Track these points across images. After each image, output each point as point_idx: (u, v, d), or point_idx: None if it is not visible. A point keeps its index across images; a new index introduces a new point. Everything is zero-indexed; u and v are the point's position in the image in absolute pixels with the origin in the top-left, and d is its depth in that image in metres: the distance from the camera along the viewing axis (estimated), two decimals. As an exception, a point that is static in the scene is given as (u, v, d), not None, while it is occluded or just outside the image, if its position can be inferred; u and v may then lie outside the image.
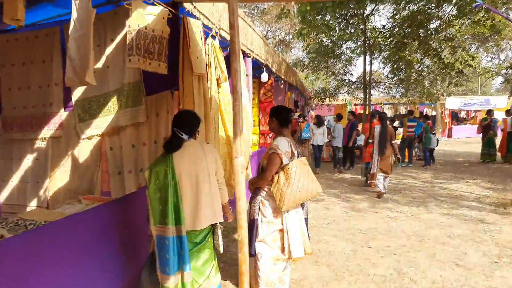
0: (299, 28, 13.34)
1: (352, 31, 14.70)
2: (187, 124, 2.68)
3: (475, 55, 18.35)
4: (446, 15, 13.43)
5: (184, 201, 2.56)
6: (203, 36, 4.28)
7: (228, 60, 5.90)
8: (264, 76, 7.76)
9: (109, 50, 4.10)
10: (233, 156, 5.25)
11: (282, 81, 9.88)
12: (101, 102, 4.21)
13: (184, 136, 2.65)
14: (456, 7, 12.23)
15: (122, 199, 3.32)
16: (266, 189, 3.04)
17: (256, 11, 29.41)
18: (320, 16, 12.16)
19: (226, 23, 5.12)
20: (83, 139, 4.30)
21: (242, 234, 2.72)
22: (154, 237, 2.59)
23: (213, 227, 2.75)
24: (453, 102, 22.68)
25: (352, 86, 16.79)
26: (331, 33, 14.29)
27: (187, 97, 3.91)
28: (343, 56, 16.04)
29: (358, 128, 14.21)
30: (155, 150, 3.99)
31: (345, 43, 15.48)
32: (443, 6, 12.78)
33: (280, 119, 3.17)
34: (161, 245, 2.54)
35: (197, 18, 4.21)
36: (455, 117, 25.23)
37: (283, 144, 3.01)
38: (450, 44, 13.86)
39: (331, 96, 16.53)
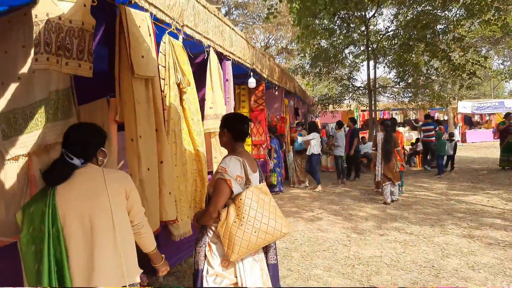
0: (298, 33, 12.61)
1: (355, 35, 13.93)
2: (80, 142, 1.83)
3: (487, 56, 17.43)
4: (454, 15, 12.52)
5: (72, 257, 1.71)
6: (153, 31, 3.48)
7: (202, 67, 5.20)
8: (252, 82, 6.94)
9: (35, 51, 3.33)
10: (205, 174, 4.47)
11: (276, 88, 9.06)
12: (27, 115, 3.39)
13: (76, 161, 1.80)
14: (463, 7, 11.41)
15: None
16: (213, 228, 2.17)
17: (258, 19, 28.92)
18: (318, 20, 11.38)
19: (191, 19, 4.34)
20: (8, 160, 3.48)
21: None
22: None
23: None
24: (465, 106, 21.60)
25: (357, 92, 15.91)
26: (332, 37, 13.52)
27: (127, 105, 3.09)
28: (346, 61, 15.23)
29: (363, 136, 13.34)
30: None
31: (347, 47, 14.70)
32: (449, 7, 11.90)
33: (233, 130, 2.31)
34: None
35: (146, 10, 3.43)
36: (468, 122, 24.03)
37: (234, 166, 2.15)
38: (459, 44, 12.96)
39: (335, 102, 15.61)
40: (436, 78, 15.46)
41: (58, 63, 2.75)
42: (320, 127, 20.47)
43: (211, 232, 2.17)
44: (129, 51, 3.07)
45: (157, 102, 3.37)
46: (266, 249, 2.27)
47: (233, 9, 29.53)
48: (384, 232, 5.15)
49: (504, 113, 12.50)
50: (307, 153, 8.81)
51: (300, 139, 9.15)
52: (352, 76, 16.08)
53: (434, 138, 10.67)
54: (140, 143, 3.08)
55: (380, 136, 7.12)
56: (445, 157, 10.66)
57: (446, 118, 22.27)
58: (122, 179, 1.88)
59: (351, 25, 13.44)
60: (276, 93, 9.29)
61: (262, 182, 2.30)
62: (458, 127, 21.33)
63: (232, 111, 5.62)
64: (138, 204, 1.93)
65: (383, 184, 6.93)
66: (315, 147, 8.72)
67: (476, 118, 25.16)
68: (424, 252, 4.30)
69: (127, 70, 3.10)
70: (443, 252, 4.27)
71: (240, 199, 2.05)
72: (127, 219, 1.87)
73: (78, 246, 1.72)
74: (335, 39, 13.89)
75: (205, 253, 2.17)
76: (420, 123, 19.52)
